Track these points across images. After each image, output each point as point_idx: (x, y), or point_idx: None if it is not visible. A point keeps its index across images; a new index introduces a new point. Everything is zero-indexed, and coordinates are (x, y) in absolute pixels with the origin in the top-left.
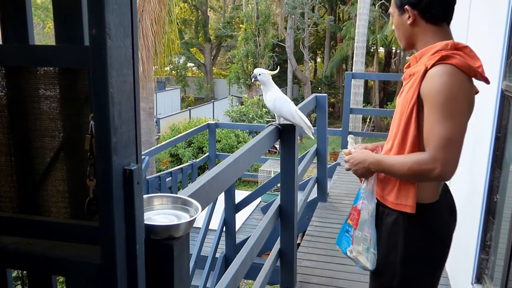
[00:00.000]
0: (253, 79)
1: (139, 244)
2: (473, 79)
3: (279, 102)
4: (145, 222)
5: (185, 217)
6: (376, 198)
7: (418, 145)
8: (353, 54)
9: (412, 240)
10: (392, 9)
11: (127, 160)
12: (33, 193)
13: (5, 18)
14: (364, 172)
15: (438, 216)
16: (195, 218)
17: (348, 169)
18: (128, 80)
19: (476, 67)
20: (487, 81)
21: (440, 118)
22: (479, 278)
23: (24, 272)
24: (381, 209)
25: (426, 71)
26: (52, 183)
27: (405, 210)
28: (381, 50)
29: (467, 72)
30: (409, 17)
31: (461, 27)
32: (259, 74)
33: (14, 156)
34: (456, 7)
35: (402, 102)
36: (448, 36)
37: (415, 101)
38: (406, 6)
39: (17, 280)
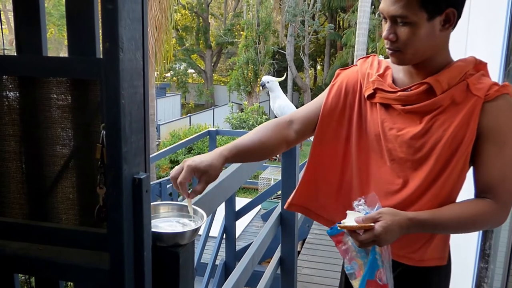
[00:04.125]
0: (261, 87)
1: (147, 251)
2: None
3: (288, 110)
4: (152, 230)
5: (190, 225)
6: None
7: (448, 188)
8: (353, 62)
9: (445, 282)
10: (414, 16)
11: (136, 169)
12: (43, 200)
13: (19, 29)
14: (394, 237)
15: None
16: (201, 226)
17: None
18: (138, 92)
19: None
20: None
21: None
22: (478, 287)
23: (28, 278)
24: (399, 270)
25: (483, 102)
26: (62, 191)
27: (440, 264)
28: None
29: None
30: (446, 21)
31: (460, 33)
32: (268, 82)
33: (25, 163)
34: None
35: (440, 137)
36: None
37: (473, 138)
38: (450, 9)
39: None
